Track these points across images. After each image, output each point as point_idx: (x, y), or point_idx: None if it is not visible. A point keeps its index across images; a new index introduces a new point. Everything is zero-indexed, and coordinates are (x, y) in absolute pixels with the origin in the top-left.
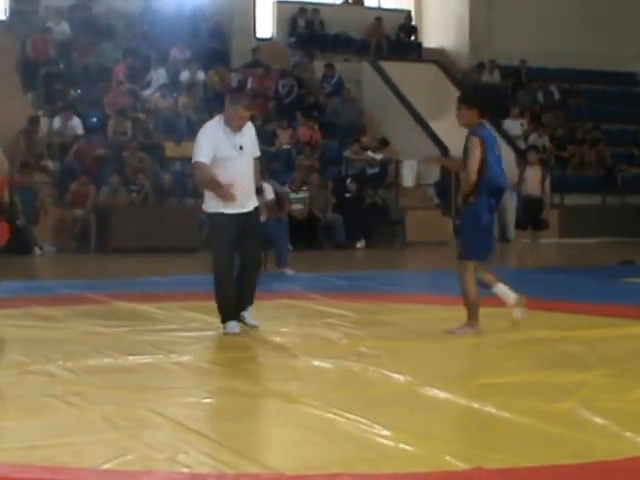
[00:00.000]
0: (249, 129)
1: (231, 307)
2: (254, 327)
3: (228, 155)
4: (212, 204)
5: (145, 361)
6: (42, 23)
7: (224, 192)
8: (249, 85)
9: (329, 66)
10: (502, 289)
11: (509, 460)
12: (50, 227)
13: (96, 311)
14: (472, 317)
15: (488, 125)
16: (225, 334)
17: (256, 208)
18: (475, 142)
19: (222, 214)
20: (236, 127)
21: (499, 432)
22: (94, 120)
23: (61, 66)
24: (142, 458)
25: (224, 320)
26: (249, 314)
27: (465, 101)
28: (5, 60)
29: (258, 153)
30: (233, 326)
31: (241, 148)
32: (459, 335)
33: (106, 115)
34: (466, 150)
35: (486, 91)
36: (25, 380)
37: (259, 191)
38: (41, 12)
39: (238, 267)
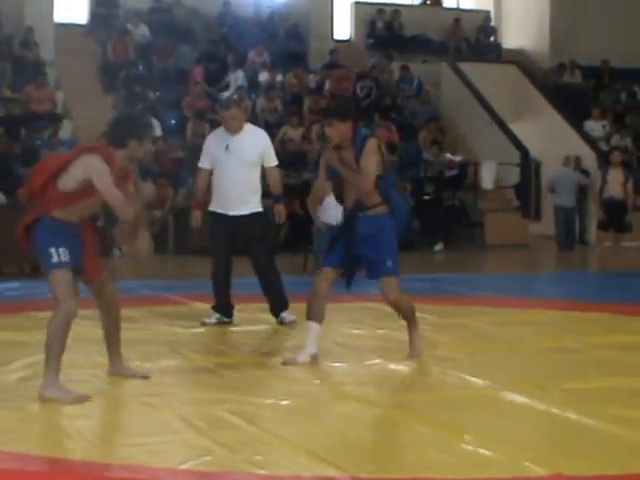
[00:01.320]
0: (254, 136)
1: (220, 304)
2: (292, 322)
3: (217, 157)
4: (212, 203)
5: (222, 362)
6: (122, 26)
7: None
8: (326, 87)
9: (405, 68)
10: (316, 332)
11: (590, 467)
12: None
13: (174, 312)
14: (415, 330)
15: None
16: (202, 324)
17: (257, 214)
18: (374, 144)
19: (214, 213)
20: (229, 129)
21: (580, 438)
22: (172, 122)
23: (140, 68)
24: (219, 459)
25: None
26: (287, 314)
27: (337, 117)
28: (86, 63)
29: (270, 162)
30: (210, 315)
31: (227, 148)
32: (415, 354)
33: (184, 117)
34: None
35: (349, 100)
36: (103, 380)
37: (277, 199)
38: (121, 15)
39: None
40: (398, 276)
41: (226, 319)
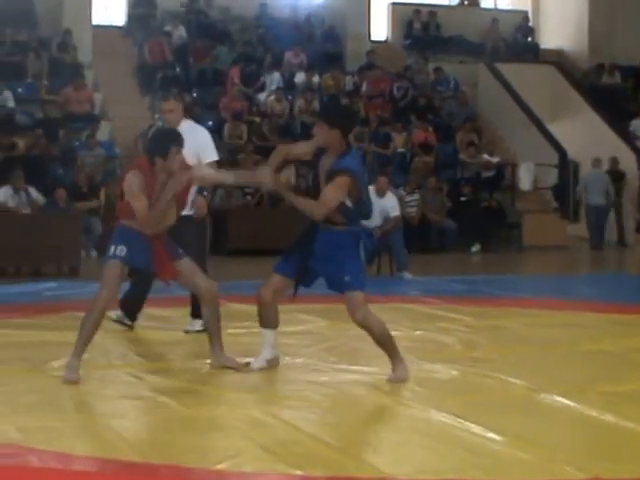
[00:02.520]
0: (194, 132)
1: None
2: (196, 332)
3: None
4: None
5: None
6: (159, 27)
7: None
8: (363, 88)
9: (438, 70)
10: (270, 337)
11: (628, 470)
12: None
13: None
14: (394, 355)
15: (353, 149)
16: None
17: (191, 216)
18: (345, 181)
19: None
20: (166, 122)
21: (618, 442)
22: (210, 123)
23: (177, 70)
24: (254, 459)
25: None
26: (196, 324)
27: (325, 119)
28: (123, 65)
29: (208, 157)
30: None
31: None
32: (396, 380)
33: (222, 118)
34: (330, 177)
35: (341, 108)
36: (140, 380)
37: (200, 191)
38: (158, 17)
39: None
40: (362, 292)
41: (128, 322)
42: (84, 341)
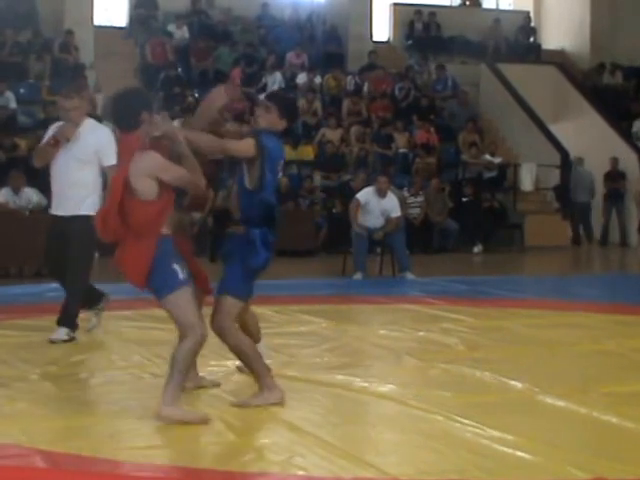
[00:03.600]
0: (94, 133)
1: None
2: (60, 341)
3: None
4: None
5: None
6: (161, 28)
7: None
8: (365, 88)
9: (440, 67)
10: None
11: (631, 471)
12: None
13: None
14: (262, 375)
15: (276, 138)
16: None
17: (83, 217)
18: (250, 142)
19: (50, 213)
20: (64, 119)
21: (621, 442)
22: None
23: (179, 70)
24: (258, 460)
25: None
26: (63, 333)
27: (279, 107)
28: (125, 65)
29: (107, 161)
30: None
31: (54, 138)
32: (257, 404)
33: (223, 119)
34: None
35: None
36: (142, 381)
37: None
38: (160, 17)
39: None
40: (235, 298)
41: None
42: (183, 381)
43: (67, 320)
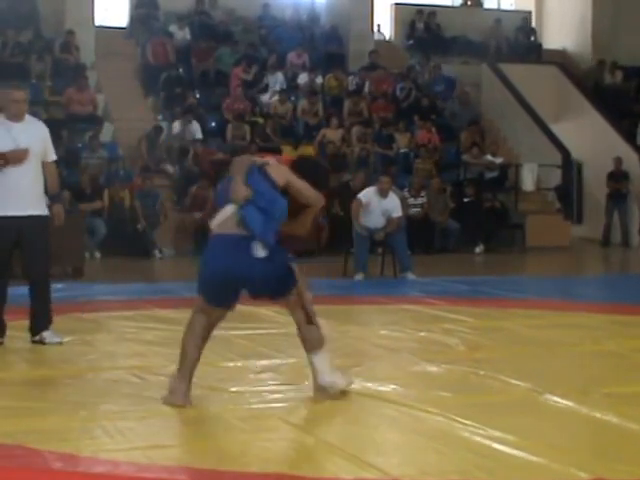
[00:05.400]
0: (37, 127)
1: None
2: (59, 344)
3: (3, 150)
4: None
5: (264, 364)
6: (162, 29)
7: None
8: (366, 88)
9: (436, 67)
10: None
11: (633, 472)
12: (170, 230)
13: None
14: (179, 376)
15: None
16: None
17: (44, 217)
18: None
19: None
20: (16, 115)
21: (622, 443)
22: (213, 124)
23: (180, 71)
24: (259, 460)
25: None
26: (50, 333)
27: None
28: (126, 66)
29: (52, 157)
30: None
31: (12, 137)
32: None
33: (224, 119)
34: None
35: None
36: (142, 381)
37: (55, 199)
38: (161, 18)
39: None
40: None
41: None
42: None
43: (45, 321)
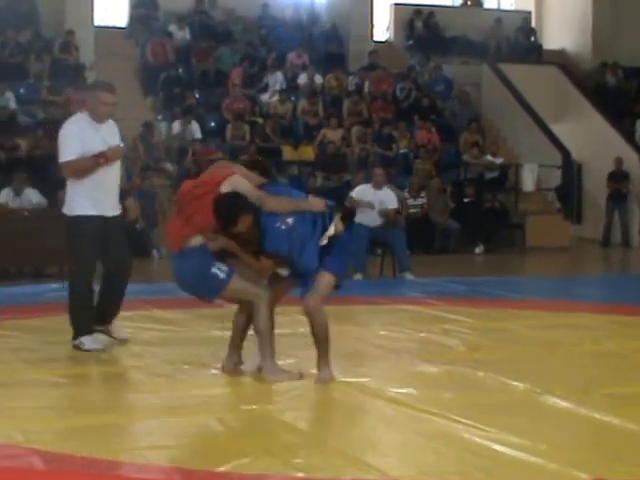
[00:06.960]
0: (110, 124)
1: (88, 320)
2: (124, 340)
3: (94, 149)
4: (77, 205)
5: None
6: (161, 28)
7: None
8: (366, 89)
9: (437, 68)
10: None
11: (633, 473)
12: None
13: (215, 314)
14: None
15: None
16: (86, 350)
17: (121, 214)
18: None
19: (86, 216)
20: (101, 116)
21: (622, 443)
22: (212, 124)
23: (180, 71)
24: (257, 461)
25: (80, 334)
26: (117, 327)
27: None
28: (125, 66)
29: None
30: (92, 341)
31: (104, 157)
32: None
33: (224, 119)
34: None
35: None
36: (142, 381)
37: (128, 194)
38: (160, 18)
39: (105, 276)
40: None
41: None
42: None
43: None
